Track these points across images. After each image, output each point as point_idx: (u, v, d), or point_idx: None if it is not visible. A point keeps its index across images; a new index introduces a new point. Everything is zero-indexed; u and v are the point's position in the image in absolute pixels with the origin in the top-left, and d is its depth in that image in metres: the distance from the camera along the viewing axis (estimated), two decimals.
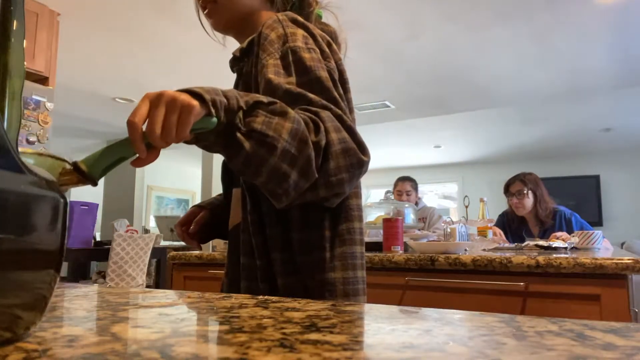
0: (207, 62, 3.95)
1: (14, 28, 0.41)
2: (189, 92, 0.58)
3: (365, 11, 3.13)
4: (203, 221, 1.01)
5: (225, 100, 0.60)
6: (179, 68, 4.13)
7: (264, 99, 0.64)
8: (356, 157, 0.68)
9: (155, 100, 0.56)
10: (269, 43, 0.78)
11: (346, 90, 0.83)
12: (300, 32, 0.79)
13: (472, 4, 3.05)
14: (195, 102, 0.57)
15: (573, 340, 0.32)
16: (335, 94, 0.74)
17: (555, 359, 0.27)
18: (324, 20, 0.99)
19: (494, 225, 2.80)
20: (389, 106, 5.11)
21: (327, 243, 0.77)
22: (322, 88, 0.73)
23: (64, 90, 4.66)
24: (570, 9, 3.08)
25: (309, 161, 0.64)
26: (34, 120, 2.67)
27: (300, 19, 0.82)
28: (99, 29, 3.40)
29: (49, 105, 2.75)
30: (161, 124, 0.55)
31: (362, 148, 0.70)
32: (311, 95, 0.71)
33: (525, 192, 2.68)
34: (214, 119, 0.60)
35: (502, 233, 2.65)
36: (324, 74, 0.75)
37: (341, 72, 0.83)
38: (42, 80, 2.80)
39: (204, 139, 0.62)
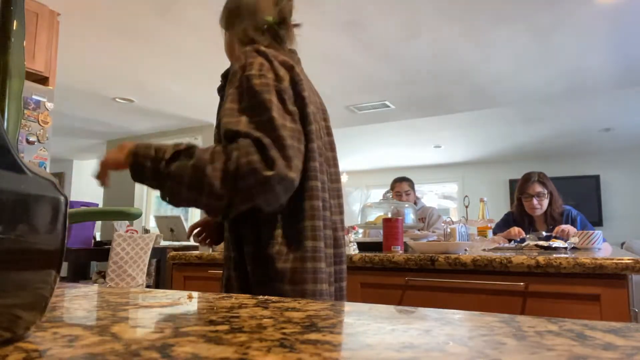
0: (206, 62, 3.95)
1: (14, 28, 0.41)
2: (130, 152, 0.94)
3: (365, 11, 3.13)
4: (212, 225, 1.28)
5: (152, 153, 0.91)
6: (179, 68, 4.13)
7: (184, 146, 0.91)
8: (261, 175, 0.84)
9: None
10: (233, 74, 0.97)
11: (304, 105, 0.98)
12: (259, 60, 0.96)
13: (472, 4, 3.05)
14: (121, 157, 0.96)
15: (573, 340, 0.32)
16: (274, 114, 0.90)
17: (555, 359, 0.27)
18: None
19: (497, 224, 2.78)
20: (389, 106, 5.11)
21: (281, 238, 0.95)
22: (263, 109, 0.90)
23: (64, 90, 4.66)
24: (570, 8, 3.08)
25: (208, 184, 0.86)
26: (34, 120, 2.67)
27: (262, 49, 0.99)
28: (99, 29, 3.40)
29: (49, 105, 2.75)
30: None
31: (270, 164, 0.85)
32: (238, 128, 0.88)
33: (545, 193, 2.65)
34: (135, 213, 0.68)
35: (521, 230, 2.58)
36: (267, 96, 0.91)
37: (298, 92, 0.98)
38: (42, 80, 2.80)
39: (141, 180, 0.93)
